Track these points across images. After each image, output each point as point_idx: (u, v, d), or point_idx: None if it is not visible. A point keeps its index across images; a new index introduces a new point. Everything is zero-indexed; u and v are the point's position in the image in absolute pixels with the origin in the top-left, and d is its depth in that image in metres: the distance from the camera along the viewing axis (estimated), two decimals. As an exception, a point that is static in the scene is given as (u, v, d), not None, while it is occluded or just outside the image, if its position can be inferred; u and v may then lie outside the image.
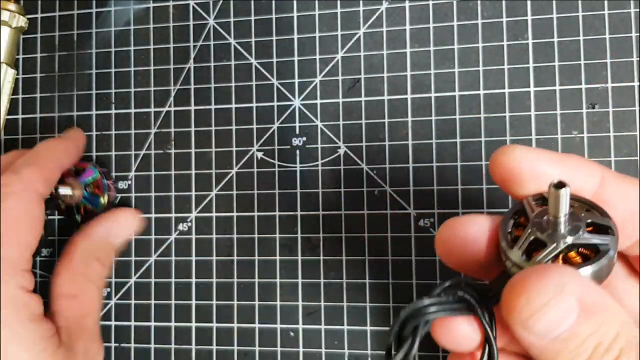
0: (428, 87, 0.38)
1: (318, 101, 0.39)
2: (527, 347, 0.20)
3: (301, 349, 0.38)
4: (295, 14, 0.40)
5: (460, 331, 0.23)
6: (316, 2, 0.39)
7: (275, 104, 0.40)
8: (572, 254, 0.22)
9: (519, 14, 0.37)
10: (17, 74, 0.43)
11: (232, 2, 0.41)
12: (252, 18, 0.40)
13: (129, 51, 0.42)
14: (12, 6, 0.42)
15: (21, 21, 0.42)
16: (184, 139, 0.41)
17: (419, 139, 0.38)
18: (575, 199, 0.23)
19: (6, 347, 0.30)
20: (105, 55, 0.42)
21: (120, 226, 0.39)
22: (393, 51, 0.38)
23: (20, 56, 0.43)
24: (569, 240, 0.21)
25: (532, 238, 0.22)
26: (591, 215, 0.22)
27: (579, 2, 0.36)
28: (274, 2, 0.40)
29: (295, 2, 0.40)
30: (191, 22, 0.41)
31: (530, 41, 0.37)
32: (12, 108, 0.43)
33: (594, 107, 0.36)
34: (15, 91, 0.43)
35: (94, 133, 0.42)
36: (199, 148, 0.40)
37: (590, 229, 0.22)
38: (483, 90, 0.37)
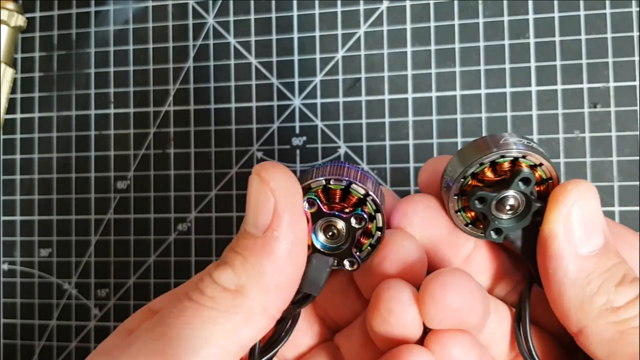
0: (429, 86, 0.38)
1: (318, 101, 0.39)
2: (562, 275, 0.20)
3: (301, 350, 0.38)
4: (295, 13, 0.39)
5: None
6: (316, 1, 0.39)
7: (275, 103, 0.39)
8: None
9: (520, 13, 0.37)
10: (16, 73, 0.43)
11: (231, 1, 0.40)
12: (252, 17, 0.40)
13: (128, 50, 0.42)
14: (10, 5, 0.42)
15: (20, 20, 0.42)
16: (183, 138, 0.40)
17: (420, 138, 0.37)
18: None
19: None
20: (104, 54, 0.42)
21: None
22: (394, 50, 0.38)
23: (19, 55, 0.43)
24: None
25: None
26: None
27: (581, 1, 0.36)
28: (273, 1, 0.40)
29: (295, 1, 0.40)
30: (190, 21, 0.41)
31: (531, 40, 0.37)
32: (11, 107, 0.43)
33: (595, 107, 0.36)
34: (13, 90, 0.43)
35: (93, 133, 0.42)
36: (199, 148, 0.40)
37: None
38: (484, 89, 0.37)
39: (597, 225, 0.21)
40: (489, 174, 0.22)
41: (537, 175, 0.21)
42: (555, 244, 0.20)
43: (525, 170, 0.21)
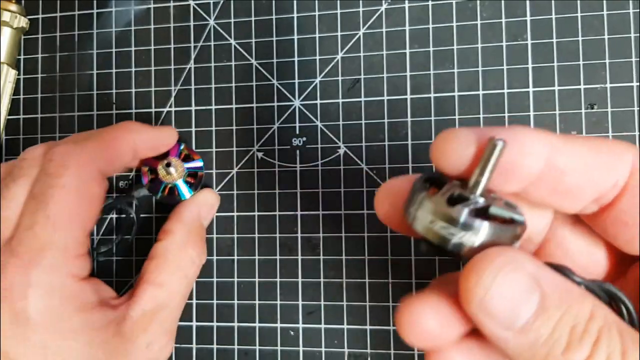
0: (427, 87, 0.38)
1: (318, 101, 0.39)
2: (503, 348, 0.19)
3: (301, 348, 0.39)
4: (295, 15, 0.40)
5: (425, 326, 0.21)
6: (316, 2, 0.40)
7: (276, 104, 0.40)
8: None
9: (518, 15, 0.37)
10: (18, 75, 0.43)
11: (232, 2, 0.41)
12: (253, 19, 0.40)
13: (130, 52, 0.42)
14: (13, 7, 0.42)
15: (22, 22, 0.42)
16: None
17: (419, 139, 0.38)
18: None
19: (48, 340, 0.28)
20: (106, 55, 0.42)
21: (207, 209, 0.38)
22: (393, 52, 0.38)
23: (22, 57, 0.44)
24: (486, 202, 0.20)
25: (455, 192, 0.20)
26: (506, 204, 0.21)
27: (578, 2, 0.37)
28: (274, 2, 0.40)
29: (295, 3, 0.40)
30: (192, 23, 0.41)
31: (529, 42, 0.37)
32: (14, 109, 0.43)
33: (593, 108, 0.36)
34: (16, 92, 0.43)
35: (95, 133, 0.42)
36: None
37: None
38: (482, 90, 0.37)
39: (525, 290, 0.18)
40: None
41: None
42: (482, 328, 0.19)
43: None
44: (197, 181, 0.39)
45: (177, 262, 0.34)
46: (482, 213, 0.20)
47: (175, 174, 0.37)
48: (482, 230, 0.19)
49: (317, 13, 0.40)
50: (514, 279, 0.18)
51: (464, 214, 0.19)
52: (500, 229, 0.19)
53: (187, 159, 0.39)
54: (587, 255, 0.24)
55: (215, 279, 0.40)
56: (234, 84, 0.40)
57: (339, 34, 0.39)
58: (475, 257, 0.19)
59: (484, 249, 0.19)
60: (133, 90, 0.42)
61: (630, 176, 0.21)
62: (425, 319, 0.20)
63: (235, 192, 0.40)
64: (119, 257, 0.41)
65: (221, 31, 0.41)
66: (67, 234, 0.29)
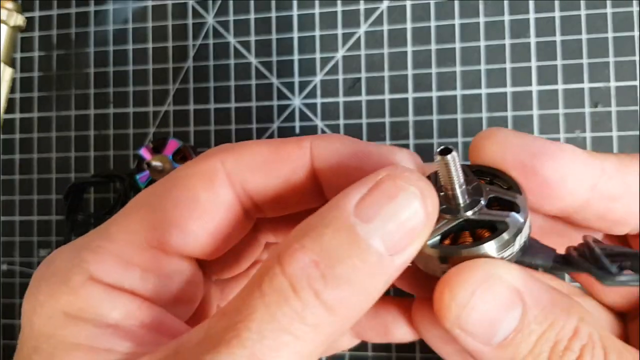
0: (429, 86, 0.37)
1: (318, 100, 0.39)
2: None
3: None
4: (295, 12, 0.39)
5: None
6: (316, 0, 0.39)
7: (275, 103, 0.39)
8: (482, 231, 0.19)
9: (521, 13, 0.37)
10: (15, 73, 0.43)
11: (231, 0, 0.40)
12: (252, 16, 0.40)
13: (127, 50, 0.41)
14: (9, 4, 0.41)
15: (19, 19, 0.42)
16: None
17: (420, 138, 0.37)
18: (478, 169, 0.21)
19: None
20: (104, 54, 0.42)
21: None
22: (394, 50, 0.38)
23: (18, 55, 0.43)
24: (469, 214, 0.19)
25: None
26: (495, 189, 0.20)
27: (582, 0, 0.36)
28: (273, 0, 0.40)
29: (295, 1, 0.39)
30: (190, 21, 0.41)
31: (532, 40, 0.36)
32: (10, 107, 0.43)
33: (596, 107, 0.36)
34: (12, 90, 0.43)
35: (92, 133, 0.42)
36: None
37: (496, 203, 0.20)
38: (485, 89, 0.37)
39: (505, 304, 0.17)
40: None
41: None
42: (458, 340, 0.18)
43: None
44: (190, 158, 0.39)
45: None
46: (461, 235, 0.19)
47: (163, 165, 0.38)
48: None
49: (317, 11, 0.39)
50: (494, 294, 0.17)
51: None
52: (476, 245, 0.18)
53: (184, 159, 0.38)
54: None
55: (214, 280, 0.39)
56: (233, 83, 0.40)
57: (339, 31, 0.39)
58: (450, 271, 0.18)
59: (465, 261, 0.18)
60: (130, 89, 0.41)
61: None
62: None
63: (234, 192, 0.39)
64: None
65: (220, 29, 0.40)
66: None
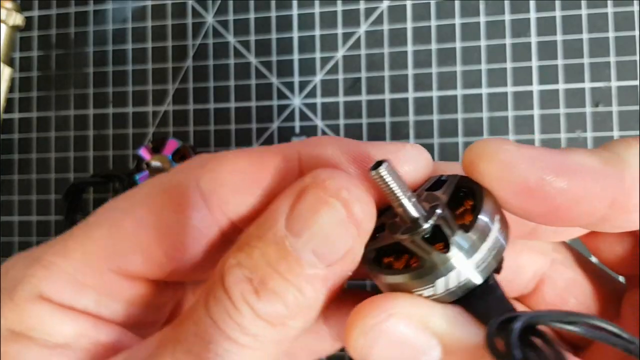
0: (430, 85, 0.37)
1: (318, 100, 0.39)
2: None
3: (301, 351, 0.38)
4: (295, 12, 0.39)
5: None
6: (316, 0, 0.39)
7: (275, 103, 0.39)
8: (414, 259, 0.17)
9: (521, 12, 0.37)
10: (14, 73, 0.43)
11: (231, 0, 0.40)
12: (252, 16, 0.40)
13: (127, 50, 0.41)
14: (8, 4, 0.41)
15: (18, 19, 0.42)
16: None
17: (421, 138, 0.37)
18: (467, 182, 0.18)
19: None
20: (103, 53, 0.42)
21: None
22: (394, 49, 0.38)
23: (17, 54, 0.43)
24: (399, 236, 0.17)
25: (384, 244, 0.17)
26: (446, 216, 0.17)
27: (582, 0, 0.36)
28: (273, 0, 0.40)
29: (295, 0, 0.39)
30: (190, 20, 0.41)
31: (533, 39, 0.36)
32: (9, 107, 0.43)
33: (597, 106, 0.36)
34: (11, 90, 0.43)
35: (91, 132, 0.41)
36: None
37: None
38: (485, 89, 0.37)
39: (394, 343, 0.16)
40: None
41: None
42: None
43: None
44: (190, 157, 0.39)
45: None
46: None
47: (163, 165, 0.38)
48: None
49: (317, 10, 0.39)
50: (387, 337, 0.16)
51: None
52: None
53: (183, 159, 0.38)
54: (580, 290, 0.22)
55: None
56: (232, 83, 0.40)
57: (339, 31, 0.39)
58: (357, 307, 0.17)
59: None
60: (130, 88, 0.41)
61: None
62: None
63: (234, 192, 0.39)
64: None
65: (220, 29, 0.40)
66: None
